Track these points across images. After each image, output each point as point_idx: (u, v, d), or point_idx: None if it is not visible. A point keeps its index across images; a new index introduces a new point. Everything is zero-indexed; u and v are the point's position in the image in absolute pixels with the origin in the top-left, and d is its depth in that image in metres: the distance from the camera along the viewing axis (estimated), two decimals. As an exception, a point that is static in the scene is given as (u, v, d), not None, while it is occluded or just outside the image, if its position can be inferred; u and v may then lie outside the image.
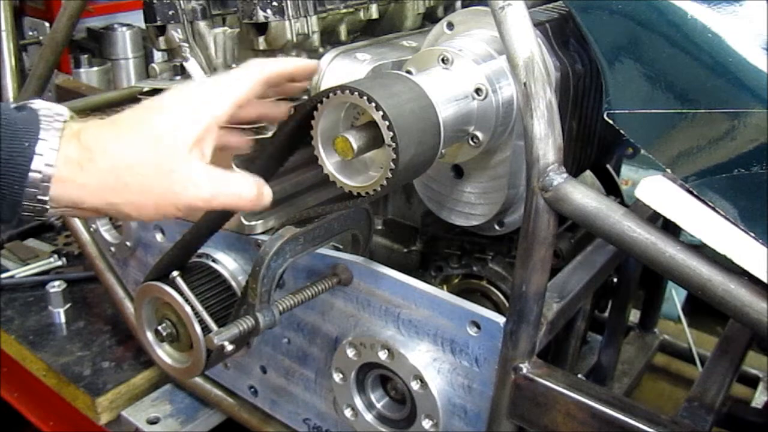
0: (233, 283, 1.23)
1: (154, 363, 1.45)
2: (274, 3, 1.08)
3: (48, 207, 0.74)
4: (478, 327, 0.99)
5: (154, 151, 0.77)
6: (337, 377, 1.15)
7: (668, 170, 0.87)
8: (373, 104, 0.84)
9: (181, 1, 1.15)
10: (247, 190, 0.84)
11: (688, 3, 0.85)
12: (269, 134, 1.03)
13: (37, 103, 0.76)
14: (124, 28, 3.39)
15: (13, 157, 0.71)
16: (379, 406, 1.15)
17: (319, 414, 1.27)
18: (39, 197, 0.73)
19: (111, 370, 1.57)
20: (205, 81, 0.85)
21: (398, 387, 1.12)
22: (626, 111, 0.89)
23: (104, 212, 0.79)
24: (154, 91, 1.19)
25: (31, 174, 0.72)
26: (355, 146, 0.87)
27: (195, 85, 0.85)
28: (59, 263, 1.96)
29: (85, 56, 3.19)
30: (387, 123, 0.84)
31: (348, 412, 1.16)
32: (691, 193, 0.83)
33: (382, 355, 1.07)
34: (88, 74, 3.16)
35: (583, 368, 1.53)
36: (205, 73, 1.16)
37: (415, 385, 1.05)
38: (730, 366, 1.11)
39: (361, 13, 1.25)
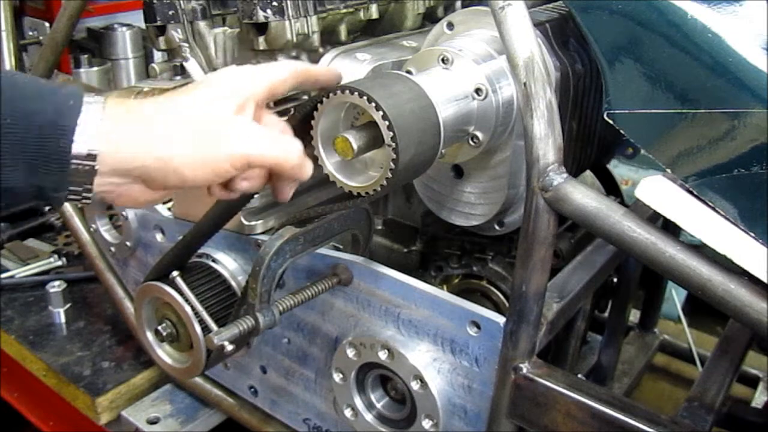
0: (233, 283, 1.23)
1: (154, 363, 1.45)
2: (274, 3, 1.08)
3: (96, 167, 0.70)
4: (478, 327, 0.99)
5: (205, 110, 0.77)
6: (337, 377, 1.15)
7: (668, 170, 0.87)
8: (373, 104, 0.84)
9: (181, 1, 1.15)
10: (294, 151, 0.83)
11: (688, 3, 0.85)
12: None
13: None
14: (124, 28, 3.39)
15: (60, 113, 0.69)
16: (379, 406, 1.15)
17: (319, 414, 1.27)
18: (89, 151, 0.69)
19: (111, 370, 1.57)
20: (244, 66, 0.85)
21: (398, 387, 1.12)
22: (626, 111, 0.89)
23: (153, 176, 0.74)
24: (154, 92, 1.19)
25: (78, 128, 0.69)
26: (355, 146, 0.87)
27: (235, 67, 0.86)
28: (59, 263, 1.96)
29: (85, 56, 3.18)
30: (387, 123, 0.84)
31: (348, 412, 1.16)
32: (691, 193, 0.83)
33: (382, 355, 1.07)
34: (88, 74, 3.16)
35: (583, 368, 1.52)
36: (205, 73, 1.16)
37: (415, 385, 1.05)
38: (730, 366, 1.11)
39: (361, 13, 1.25)
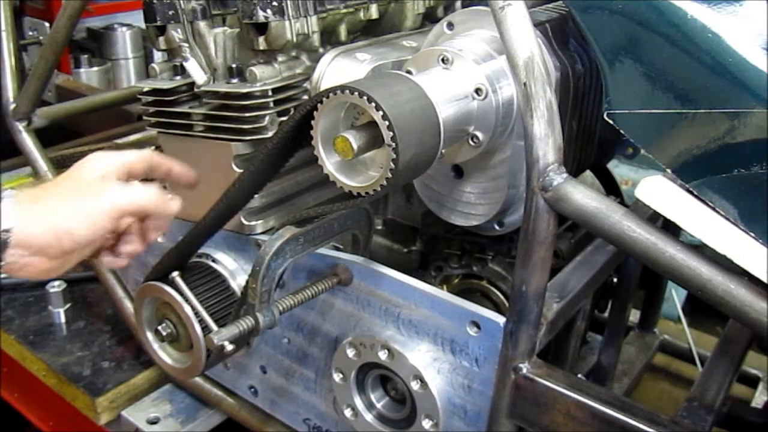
0: (233, 283, 1.23)
1: (154, 363, 1.45)
2: (274, 3, 1.08)
3: (10, 239, 0.84)
4: (478, 327, 0.99)
5: (78, 181, 0.94)
6: (337, 377, 1.15)
7: (668, 170, 0.86)
8: (373, 104, 0.84)
9: (181, 1, 1.15)
10: (152, 192, 0.96)
11: (688, 3, 0.85)
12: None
13: None
14: (124, 28, 3.39)
15: None
16: (379, 406, 1.15)
17: (319, 414, 1.27)
18: (5, 228, 0.83)
19: (111, 370, 1.57)
20: (106, 152, 1.03)
21: (398, 387, 1.12)
22: (626, 111, 0.89)
23: (51, 244, 0.88)
24: (154, 91, 1.19)
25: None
26: (355, 146, 0.87)
27: (100, 152, 1.01)
28: (59, 263, 1.96)
29: (85, 56, 3.19)
30: (387, 123, 0.84)
31: (348, 412, 1.16)
32: (691, 193, 0.83)
33: (382, 355, 1.07)
34: (88, 74, 3.16)
35: (583, 368, 1.52)
36: (205, 73, 1.16)
37: (415, 385, 1.05)
38: (730, 366, 1.11)
39: (361, 13, 1.25)
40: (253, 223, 1.22)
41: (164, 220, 1.01)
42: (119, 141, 2.02)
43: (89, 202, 0.91)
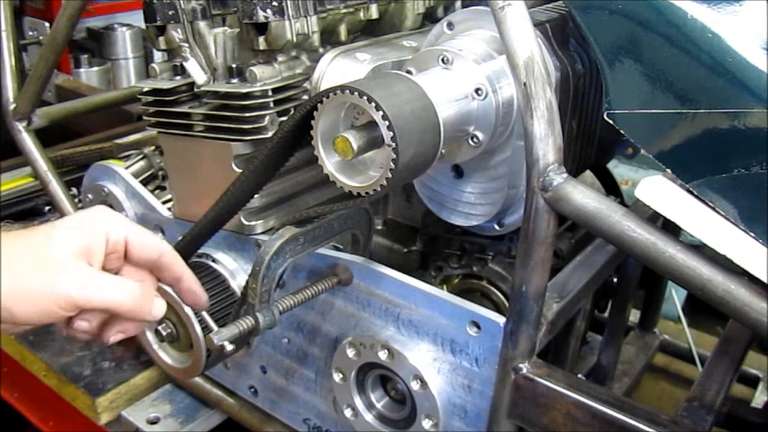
0: (233, 283, 1.23)
1: (154, 363, 1.45)
2: (274, 3, 1.08)
3: None
4: (478, 327, 0.99)
5: (46, 250, 0.77)
6: (337, 377, 1.15)
7: (668, 170, 0.86)
8: (373, 104, 0.84)
9: (181, 1, 1.15)
10: (127, 295, 0.81)
11: (688, 3, 0.85)
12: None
13: None
14: (124, 28, 3.39)
15: None
16: (379, 406, 1.15)
17: (319, 414, 1.27)
18: None
19: (111, 370, 1.57)
20: (116, 214, 0.86)
21: (398, 387, 1.12)
22: (626, 111, 0.89)
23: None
24: (154, 91, 1.19)
25: None
26: (355, 146, 0.87)
27: (106, 210, 0.86)
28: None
29: (85, 56, 3.19)
30: (387, 123, 0.84)
31: (348, 412, 1.16)
32: (691, 193, 0.83)
33: (382, 355, 1.07)
34: (88, 74, 3.17)
35: (583, 368, 1.52)
36: (205, 73, 1.16)
37: (415, 385, 1.05)
38: (730, 366, 1.11)
39: (361, 13, 1.25)
40: (253, 223, 1.22)
41: (135, 324, 0.86)
42: (119, 141, 2.02)
43: (40, 284, 0.75)
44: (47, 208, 1.95)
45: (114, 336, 0.86)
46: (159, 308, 0.85)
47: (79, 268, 0.78)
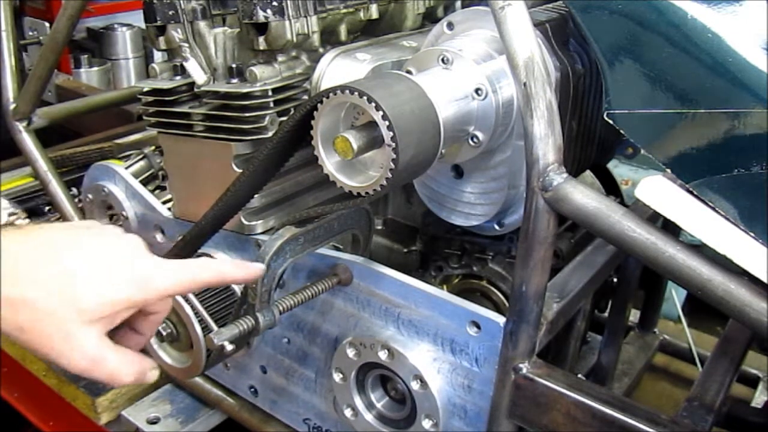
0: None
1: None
2: (274, 3, 1.08)
3: None
4: (478, 327, 0.99)
5: (56, 303, 0.72)
6: (337, 377, 1.15)
7: (668, 170, 0.86)
8: (373, 104, 0.84)
9: (181, 1, 1.15)
10: (123, 372, 0.78)
11: (688, 3, 0.85)
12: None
13: None
14: (124, 28, 3.39)
15: None
16: (379, 406, 1.15)
17: (319, 414, 1.27)
18: None
19: (111, 370, 1.57)
20: (149, 259, 0.79)
21: (398, 387, 1.12)
22: (626, 111, 0.89)
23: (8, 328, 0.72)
24: (154, 91, 1.19)
25: None
26: (355, 146, 0.87)
27: (138, 256, 0.79)
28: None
29: (85, 56, 3.19)
30: (387, 123, 0.84)
31: (348, 412, 1.16)
32: (691, 193, 0.83)
33: (382, 355, 1.07)
34: (88, 74, 3.17)
35: (583, 368, 1.52)
36: (205, 73, 1.16)
37: (415, 385, 1.05)
38: (730, 366, 1.11)
39: (361, 13, 1.25)
40: (253, 223, 1.22)
41: None
42: (119, 141, 2.02)
43: (42, 346, 0.72)
44: (47, 208, 1.95)
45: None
46: (153, 376, 0.82)
47: (86, 346, 0.75)
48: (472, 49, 1.02)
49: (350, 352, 1.11)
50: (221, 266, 0.86)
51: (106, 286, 0.73)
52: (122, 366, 0.78)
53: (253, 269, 0.91)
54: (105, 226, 0.80)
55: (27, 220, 0.73)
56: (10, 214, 0.70)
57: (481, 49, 1.02)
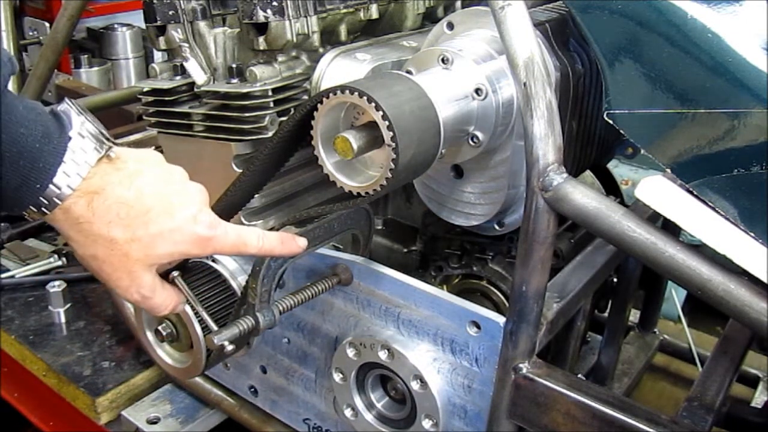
0: (233, 283, 1.23)
1: (154, 363, 1.46)
2: (274, 3, 1.08)
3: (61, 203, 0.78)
4: (478, 327, 0.99)
5: (133, 248, 0.84)
6: (337, 377, 1.15)
7: (668, 170, 0.86)
8: (373, 104, 0.84)
9: (181, 1, 1.15)
10: (163, 304, 0.93)
11: (688, 3, 0.85)
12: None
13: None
14: (124, 28, 3.40)
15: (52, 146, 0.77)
16: (379, 406, 1.15)
17: (319, 414, 1.27)
18: (71, 171, 0.77)
19: (111, 370, 1.57)
20: (209, 216, 0.89)
21: (398, 387, 1.12)
22: (626, 111, 0.89)
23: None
24: (154, 91, 1.19)
25: (69, 146, 0.77)
26: (355, 146, 0.87)
27: (209, 219, 0.89)
28: (59, 263, 1.96)
29: (85, 56, 3.19)
30: (387, 123, 0.84)
31: (348, 412, 1.16)
32: (691, 193, 0.83)
33: (382, 355, 1.07)
34: (88, 74, 3.17)
35: (583, 368, 1.52)
36: (205, 73, 1.16)
37: (415, 385, 1.05)
38: (730, 366, 1.11)
39: (361, 13, 1.25)
40: (253, 223, 1.22)
41: None
42: (119, 141, 2.02)
43: (109, 276, 0.85)
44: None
45: None
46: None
47: (143, 282, 0.87)
48: (472, 49, 1.02)
49: (350, 352, 1.11)
50: (269, 241, 0.94)
51: (173, 243, 0.85)
52: (165, 301, 0.93)
53: (297, 245, 0.98)
54: (174, 172, 0.87)
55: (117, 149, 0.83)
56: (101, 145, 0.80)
57: (481, 49, 1.02)
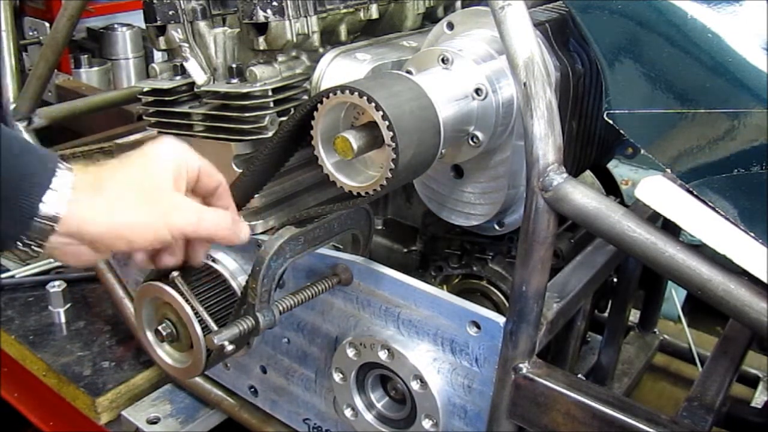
0: (233, 283, 1.23)
1: (154, 363, 1.46)
2: (274, 3, 1.08)
3: (56, 228, 0.77)
4: (478, 327, 0.99)
5: (149, 182, 0.85)
6: (337, 377, 1.15)
7: (668, 170, 0.86)
8: (373, 104, 0.84)
9: (181, 1, 1.15)
10: (224, 220, 0.92)
11: (688, 3, 0.85)
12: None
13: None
14: (124, 28, 3.39)
15: (38, 174, 0.77)
16: (379, 406, 1.15)
17: (319, 414, 1.27)
18: (53, 213, 0.77)
19: (111, 370, 1.57)
20: (182, 144, 0.91)
21: (398, 387, 1.12)
22: (626, 111, 0.89)
23: (104, 241, 0.82)
24: (154, 91, 1.19)
25: (49, 192, 0.76)
26: (355, 146, 0.87)
27: (174, 141, 0.91)
28: (59, 263, 1.96)
29: (85, 56, 3.19)
30: (387, 123, 0.84)
31: (348, 412, 1.16)
32: (691, 193, 0.83)
33: (382, 355, 1.07)
34: (88, 74, 3.17)
35: (583, 368, 1.52)
36: (205, 73, 1.16)
37: (415, 385, 1.05)
38: (730, 366, 1.11)
39: (361, 13, 1.25)
40: (253, 223, 1.22)
41: (206, 249, 0.97)
42: (119, 141, 2.01)
43: (156, 214, 0.84)
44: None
45: (201, 255, 0.97)
46: (245, 233, 0.95)
47: (183, 201, 0.87)
48: (472, 49, 1.02)
49: (350, 352, 1.11)
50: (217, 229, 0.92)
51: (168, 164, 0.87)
52: (221, 213, 0.92)
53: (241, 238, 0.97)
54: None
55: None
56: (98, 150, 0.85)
57: (481, 49, 1.02)
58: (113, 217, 0.81)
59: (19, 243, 0.78)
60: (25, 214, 0.76)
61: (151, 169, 0.86)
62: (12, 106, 1.69)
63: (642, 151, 0.91)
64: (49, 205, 0.76)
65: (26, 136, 1.67)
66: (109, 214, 0.80)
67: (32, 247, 0.79)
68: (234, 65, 1.13)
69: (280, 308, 1.03)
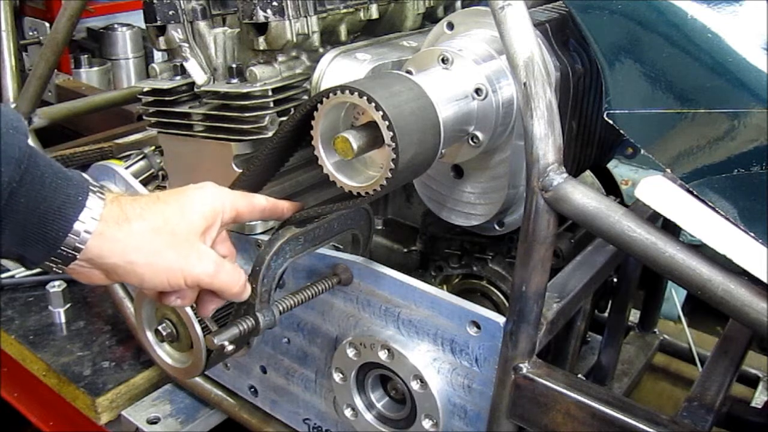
0: (233, 283, 1.23)
1: (154, 363, 1.46)
2: (274, 3, 1.08)
3: (78, 256, 0.79)
4: (478, 327, 0.99)
5: (177, 227, 0.85)
6: (337, 377, 1.15)
7: (668, 170, 0.86)
8: (373, 104, 0.84)
9: (181, 1, 1.15)
10: (239, 281, 0.93)
11: (688, 3, 0.85)
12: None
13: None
14: (124, 28, 3.40)
15: (66, 205, 0.77)
16: (379, 406, 1.15)
17: (319, 414, 1.27)
18: (77, 245, 0.78)
19: (111, 370, 1.57)
20: (222, 188, 0.93)
21: (398, 387, 1.12)
22: (626, 111, 0.89)
23: (118, 272, 0.83)
24: (154, 91, 1.19)
25: (77, 223, 0.78)
26: (355, 146, 0.87)
27: (214, 186, 0.92)
28: (59, 263, 1.96)
29: (85, 56, 3.19)
30: (387, 123, 0.84)
31: (348, 412, 1.16)
32: (691, 193, 0.83)
33: (382, 355, 1.07)
34: (88, 74, 3.17)
35: (583, 368, 1.52)
36: (205, 73, 1.16)
37: (415, 385, 1.05)
38: (730, 366, 1.11)
39: (361, 13, 1.25)
40: (253, 223, 1.22)
41: (217, 302, 0.97)
42: (119, 141, 2.02)
43: (175, 261, 0.84)
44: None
45: (210, 307, 0.97)
46: (248, 292, 0.96)
47: (205, 252, 0.88)
48: (472, 49, 1.02)
49: (350, 352, 1.11)
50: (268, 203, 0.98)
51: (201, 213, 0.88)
52: (237, 270, 0.92)
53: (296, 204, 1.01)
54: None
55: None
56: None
57: (481, 49, 1.02)
58: (131, 255, 0.82)
59: (41, 265, 0.80)
60: (50, 243, 0.77)
61: (187, 213, 0.86)
62: (12, 106, 1.69)
63: (642, 151, 0.91)
64: (75, 237, 0.78)
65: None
66: (126, 252, 0.81)
67: (54, 269, 0.81)
68: (234, 65, 1.13)
69: (280, 308, 1.03)
